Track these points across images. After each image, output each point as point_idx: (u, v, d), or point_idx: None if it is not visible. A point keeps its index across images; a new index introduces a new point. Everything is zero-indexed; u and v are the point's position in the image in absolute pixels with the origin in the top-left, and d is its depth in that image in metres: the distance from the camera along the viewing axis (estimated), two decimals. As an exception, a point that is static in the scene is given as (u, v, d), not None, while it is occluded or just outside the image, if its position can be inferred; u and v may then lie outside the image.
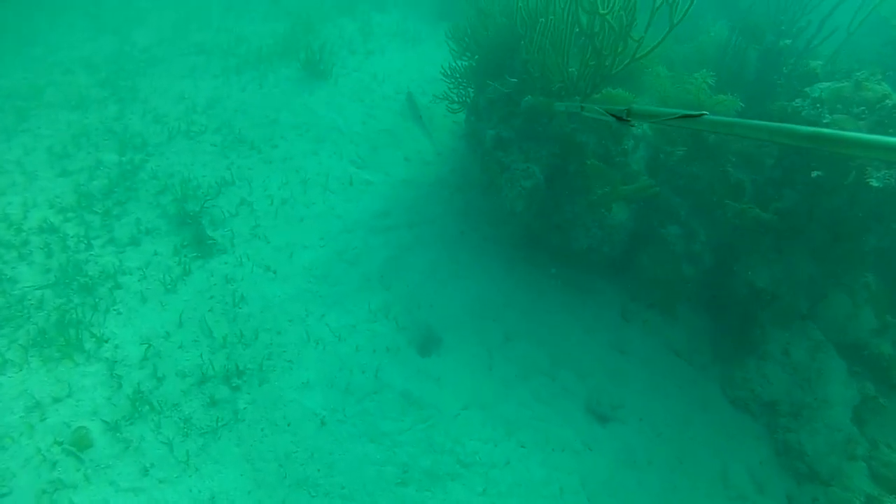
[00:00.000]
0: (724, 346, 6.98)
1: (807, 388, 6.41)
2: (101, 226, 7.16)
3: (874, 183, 5.26)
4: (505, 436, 5.88)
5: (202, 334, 6.17)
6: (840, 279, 6.62)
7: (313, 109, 9.61)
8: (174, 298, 6.48)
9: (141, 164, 8.10)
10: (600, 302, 7.18)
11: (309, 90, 10.14)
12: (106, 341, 6.00)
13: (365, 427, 5.67)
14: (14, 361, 5.72)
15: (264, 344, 6.16)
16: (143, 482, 5.09)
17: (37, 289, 6.41)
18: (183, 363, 5.91)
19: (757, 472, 6.18)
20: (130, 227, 7.17)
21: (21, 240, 6.86)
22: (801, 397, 6.38)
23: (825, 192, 5.85)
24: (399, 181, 8.37)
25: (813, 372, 6.43)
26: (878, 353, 6.56)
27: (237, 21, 12.48)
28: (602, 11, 5.24)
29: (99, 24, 11.88)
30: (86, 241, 6.91)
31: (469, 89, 7.92)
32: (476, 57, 7.64)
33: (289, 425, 5.59)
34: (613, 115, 2.61)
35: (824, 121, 5.66)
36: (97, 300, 6.35)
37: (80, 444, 5.19)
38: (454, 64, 7.89)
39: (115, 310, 6.31)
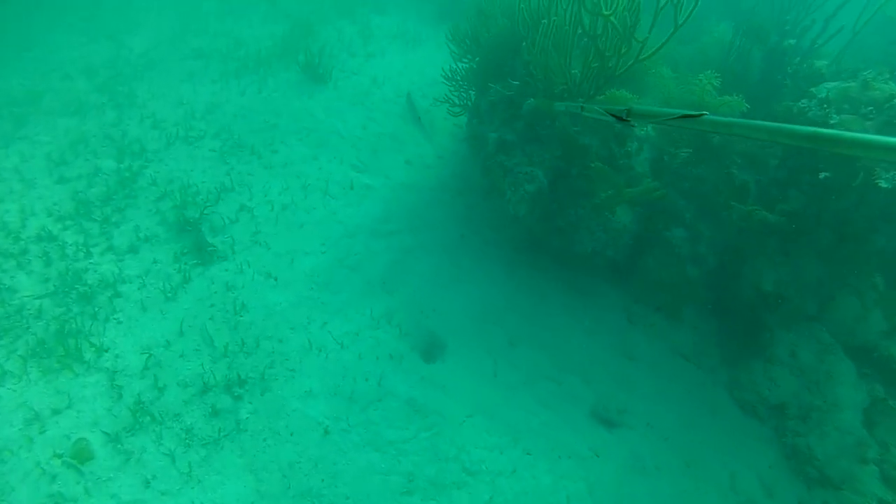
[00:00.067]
0: (731, 349, 6.91)
1: (815, 391, 6.34)
2: (100, 233, 7.09)
3: (883, 184, 5.19)
4: (511, 443, 5.81)
5: (203, 343, 6.10)
6: (848, 281, 6.55)
7: (313, 113, 9.53)
8: (174, 307, 6.41)
9: (140, 170, 8.03)
10: (605, 306, 7.11)
11: (308, 94, 10.06)
12: (106, 351, 5.94)
13: (369, 436, 5.60)
14: (13, 373, 5.66)
15: (266, 352, 6.09)
16: (144, 495, 5.02)
17: (36, 298, 6.34)
18: (184, 373, 5.84)
19: (766, 477, 6.11)
20: (129, 234, 7.09)
21: (19, 248, 6.80)
22: (810, 400, 6.31)
23: (832, 193, 5.78)
24: (400, 185, 8.29)
25: (821, 374, 6.36)
26: (887, 355, 6.49)
27: (235, 24, 12.40)
28: (605, 12, 5.18)
29: (95, 29, 11.79)
30: (85, 250, 6.84)
31: (470, 92, 7.86)
32: (477, 59, 7.58)
33: (292, 435, 5.52)
34: (613, 116, 2.62)
35: (832, 121, 5.59)
36: (97, 309, 6.28)
37: (80, 456, 5.12)
38: (455, 66, 7.83)
39: (114, 319, 6.24)
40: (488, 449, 5.72)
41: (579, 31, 5.58)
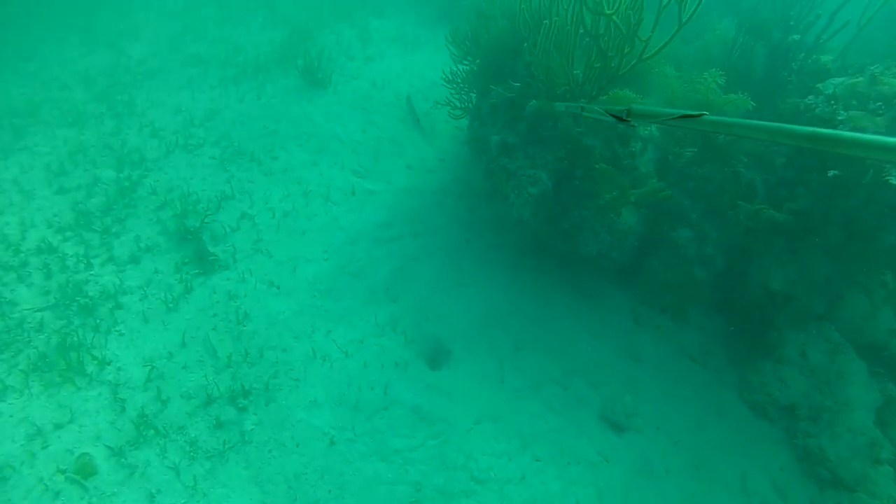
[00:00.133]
0: (739, 350, 6.85)
1: (826, 391, 6.26)
2: (101, 244, 7.03)
3: (893, 181, 5.10)
4: (519, 449, 5.74)
5: (206, 354, 6.04)
6: (857, 279, 6.47)
7: (313, 118, 9.48)
8: (176, 317, 6.34)
9: (139, 179, 7.97)
10: (611, 308, 7.04)
11: (308, 99, 10.01)
12: (108, 364, 5.87)
13: (375, 445, 5.54)
14: (14, 387, 5.59)
15: (270, 362, 6.02)
16: (149, 510, 4.97)
17: (36, 311, 6.28)
18: (187, 384, 5.78)
19: (777, 479, 6.04)
20: (130, 244, 7.03)
21: (19, 261, 6.74)
22: (821, 401, 6.24)
23: (841, 191, 5.70)
24: (402, 190, 8.23)
25: (832, 374, 6.28)
26: (898, 353, 6.43)
27: (234, 30, 12.36)
28: (608, 12, 5.11)
29: (93, 38, 11.75)
30: (85, 261, 6.78)
31: (471, 94, 7.79)
32: (477, 61, 7.51)
33: (297, 446, 5.45)
34: (613, 116, 2.59)
35: (839, 118, 5.51)
36: (98, 321, 6.21)
37: (83, 471, 5.06)
38: (455, 68, 7.77)
39: (116, 331, 6.18)
40: (496, 456, 5.66)
41: (581, 30, 5.52)
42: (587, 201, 6.24)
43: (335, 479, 5.27)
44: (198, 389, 5.73)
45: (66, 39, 11.66)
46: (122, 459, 5.18)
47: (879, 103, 5.47)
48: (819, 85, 5.98)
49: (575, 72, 5.79)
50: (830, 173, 5.48)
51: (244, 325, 6.30)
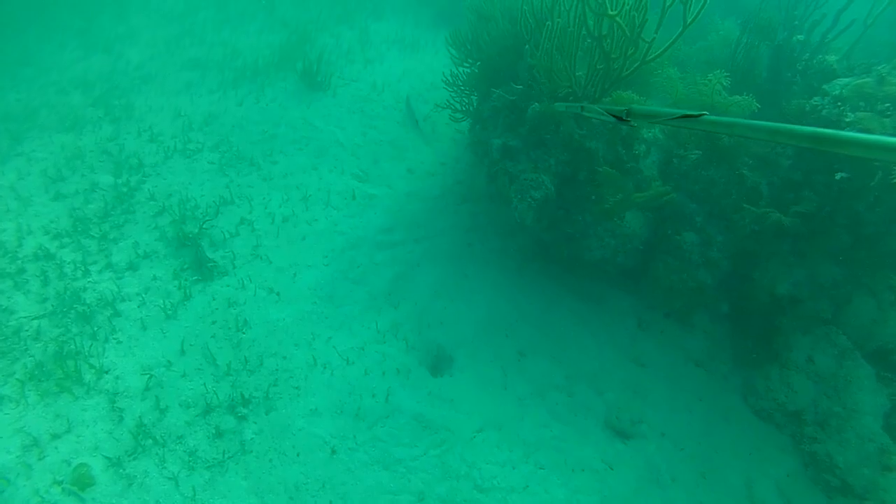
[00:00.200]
0: (745, 355, 6.76)
1: (833, 397, 6.17)
2: (98, 251, 6.96)
3: (902, 183, 5.03)
4: (523, 457, 5.66)
5: (205, 362, 5.96)
6: (863, 282, 6.38)
7: (312, 122, 9.41)
8: (175, 325, 6.27)
9: (137, 185, 7.90)
10: (615, 313, 6.96)
11: (307, 102, 9.95)
12: (106, 372, 5.80)
13: (377, 454, 5.45)
14: (10, 397, 5.52)
15: (270, 370, 5.94)
16: (147, 522, 4.89)
17: (33, 319, 6.20)
18: (186, 393, 5.70)
19: (784, 486, 5.95)
20: (128, 251, 6.96)
21: (16, 268, 6.67)
22: (829, 406, 6.15)
23: (848, 193, 5.62)
24: (403, 194, 8.16)
25: (840, 379, 6.19)
26: (906, 358, 6.33)
27: (232, 34, 12.31)
28: (611, 13, 5.03)
29: (91, 42, 11.70)
30: (83, 268, 6.71)
31: (472, 97, 7.73)
32: (478, 63, 7.45)
33: (298, 455, 5.37)
34: (613, 116, 2.60)
35: (847, 119, 5.42)
36: (96, 329, 6.14)
37: (81, 482, 4.98)
38: (455, 71, 7.70)
39: (114, 339, 6.10)
40: (500, 464, 5.57)
41: (583, 32, 5.44)
42: (591, 205, 6.16)
43: (337, 489, 5.19)
44: (197, 398, 5.65)
45: (64, 44, 11.62)
46: (121, 470, 5.10)
47: (888, 104, 5.39)
48: (825, 86, 5.89)
49: (578, 74, 5.72)
50: (838, 176, 5.40)
51: (244, 333, 6.22)
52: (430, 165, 8.72)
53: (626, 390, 6.35)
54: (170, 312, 6.35)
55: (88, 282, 6.60)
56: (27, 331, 6.08)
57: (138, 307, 6.40)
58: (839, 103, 5.62)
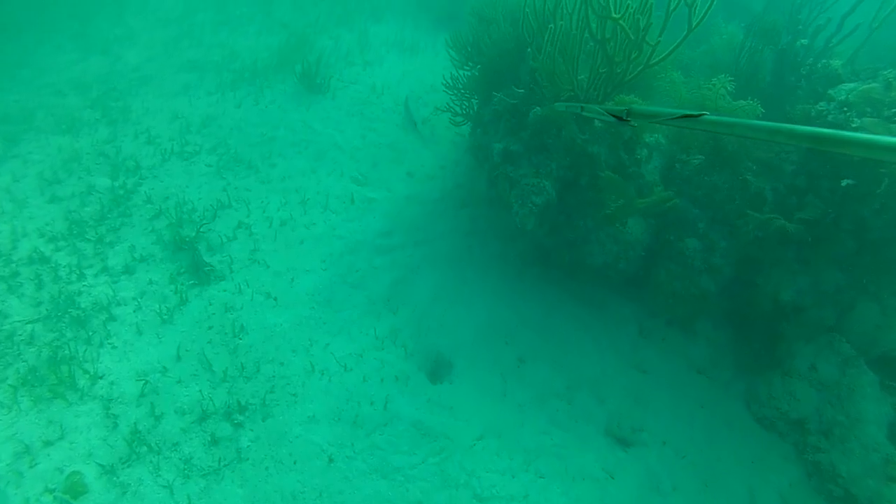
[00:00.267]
0: (747, 362, 6.70)
1: (837, 405, 6.10)
2: (94, 254, 6.88)
3: (909, 190, 4.97)
4: (523, 466, 5.59)
5: (201, 368, 5.87)
6: (868, 289, 6.31)
7: (311, 125, 9.35)
8: (171, 330, 6.18)
9: (134, 188, 7.82)
10: (616, 319, 6.89)
11: (306, 105, 9.88)
12: (100, 378, 5.71)
13: (375, 462, 5.37)
14: (3, 403, 5.43)
15: (267, 376, 5.86)
16: (141, 531, 4.80)
17: (27, 323, 6.12)
18: (182, 399, 5.61)
19: (787, 495, 5.89)
20: (124, 254, 6.88)
21: (10, 271, 6.58)
22: (832, 415, 6.08)
23: (853, 199, 5.55)
24: (402, 198, 8.09)
25: (843, 388, 6.12)
26: (911, 366, 6.26)
27: (231, 36, 12.25)
28: (615, 15, 4.96)
29: (88, 44, 11.63)
30: (78, 271, 6.63)
31: (472, 100, 7.66)
32: (479, 66, 7.39)
33: (295, 463, 5.29)
34: (613, 116, 2.60)
35: (853, 125, 5.35)
36: (90, 334, 6.05)
37: (73, 490, 4.89)
38: (456, 74, 7.64)
39: (109, 343, 6.02)
40: (499, 473, 5.50)
41: (586, 35, 5.38)
42: (592, 210, 6.10)
43: (334, 498, 5.10)
44: (193, 405, 5.56)
45: (61, 45, 11.55)
46: (114, 478, 5.02)
47: (895, 110, 5.33)
48: (831, 91, 5.83)
49: (580, 77, 5.66)
50: (844, 182, 5.34)
51: (240, 338, 6.14)
52: (429, 169, 8.66)
53: (627, 397, 6.29)
54: (166, 317, 6.27)
55: (83, 285, 6.52)
56: (21, 335, 6.00)
57: (134, 312, 6.32)
58: (845, 108, 5.56)
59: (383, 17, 13.24)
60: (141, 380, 5.70)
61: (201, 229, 7.13)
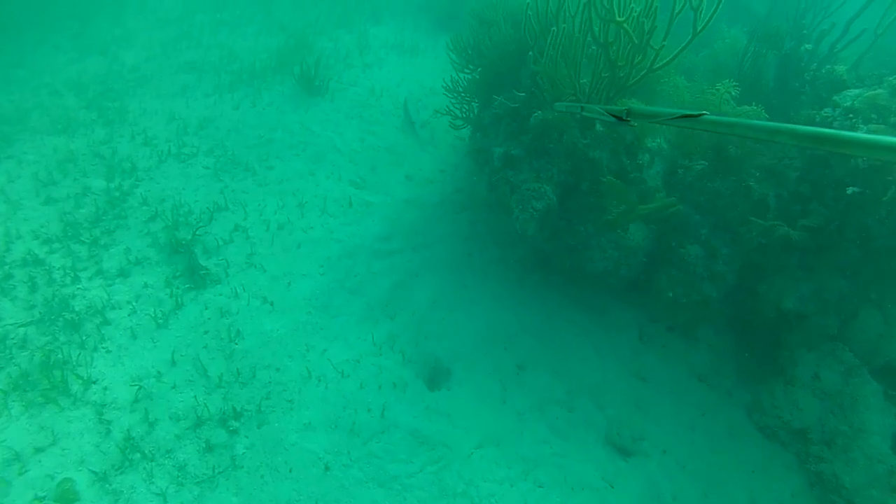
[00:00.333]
0: (749, 370, 6.62)
1: (840, 415, 6.03)
2: (89, 257, 6.79)
3: (916, 198, 4.90)
4: (521, 475, 5.51)
5: (196, 373, 5.79)
6: (871, 296, 6.25)
7: (309, 127, 9.27)
8: (166, 334, 6.10)
9: (130, 189, 7.74)
10: (617, 326, 6.82)
11: (305, 107, 9.81)
12: (94, 383, 5.62)
13: (372, 471, 5.29)
14: (-6, 408, 5.34)
15: (263, 382, 5.78)
16: (133, 540, 4.72)
17: (20, 326, 6.03)
18: (176, 405, 5.52)
19: (789, 506, 5.82)
20: (119, 257, 6.79)
21: (3, 273, 6.51)
22: (835, 425, 6.00)
23: (858, 206, 5.48)
24: (401, 201, 8.01)
25: (846, 397, 6.04)
26: (915, 375, 6.20)
27: (229, 37, 12.19)
28: (619, 19, 4.88)
29: (86, 44, 11.56)
30: (72, 274, 6.54)
31: (473, 104, 7.59)
32: (479, 69, 7.32)
33: (291, 471, 5.20)
34: (613, 115, 2.56)
35: (859, 132, 5.29)
36: (84, 338, 5.97)
37: (64, 498, 4.79)
38: (456, 77, 7.56)
39: (103, 348, 5.93)
40: (498, 482, 5.41)
41: (589, 38, 5.30)
42: (593, 216, 6.03)
43: (330, 508, 5.03)
44: (187, 411, 5.48)
45: (59, 46, 11.47)
46: (107, 485, 4.92)
47: (902, 116, 5.27)
48: (836, 97, 5.76)
49: (582, 81, 5.58)
50: (849, 190, 5.27)
51: (236, 344, 6.06)
52: (428, 172, 8.59)
53: (627, 405, 6.22)
54: (161, 321, 6.19)
55: (78, 289, 6.43)
56: (13, 339, 5.91)
57: (128, 315, 6.24)
58: (851, 115, 5.49)
59: (383, 19, 13.20)
60: (135, 385, 5.61)
61: (197, 232, 7.05)
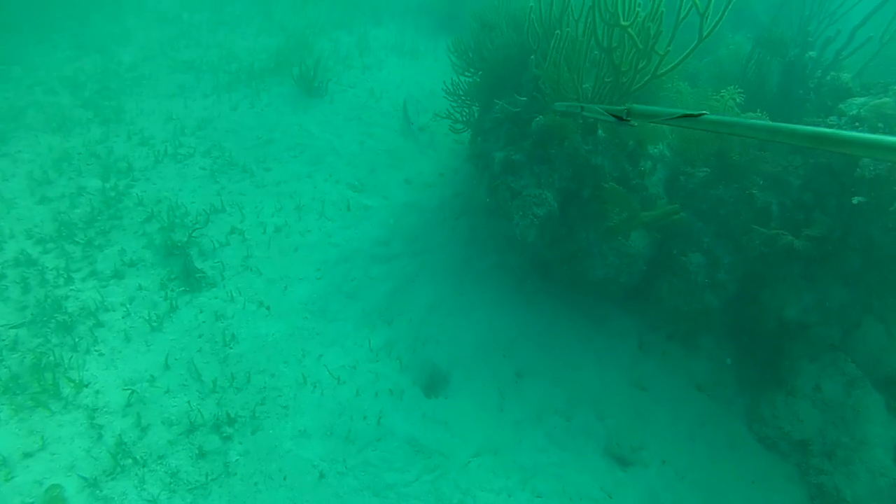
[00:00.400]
0: (749, 380, 6.56)
1: (841, 427, 5.96)
2: (83, 257, 6.70)
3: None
4: (519, 485, 5.43)
5: (190, 378, 5.70)
6: (873, 307, 6.19)
7: (308, 129, 9.20)
8: (160, 338, 6.01)
9: (126, 190, 7.64)
10: (617, 334, 6.75)
11: (303, 108, 9.74)
12: (85, 386, 5.52)
13: (368, 479, 5.21)
14: (-19, 412, 5.25)
15: (257, 388, 5.69)
16: (123, 549, 4.63)
17: (11, 328, 5.93)
18: (169, 410, 5.43)
19: (790, 518, 5.75)
20: (114, 258, 6.70)
21: (-5, 274, 6.41)
22: (836, 436, 5.94)
23: (862, 216, 5.42)
24: (400, 205, 7.94)
25: (848, 409, 5.98)
26: (918, 388, 6.13)
27: (228, 36, 12.10)
28: (624, 23, 4.81)
29: (84, 42, 11.45)
30: (66, 275, 6.45)
31: (473, 107, 7.54)
32: (480, 73, 7.26)
33: (285, 479, 5.11)
34: (613, 115, 2.60)
35: (865, 142, 5.23)
36: (77, 340, 5.87)
37: (53, 504, 4.71)
38: (456, 80, 7.50)
39: (96, 350, 5.84)
40: (495, 492, 5.34)
41: (592, 42, 5.23)
42: (595, 223, 5.96)
43: (324, 517, 4.95)
44: (180, 416, 5.39)
45: (57, 44, 11.37)
46: (97, 491, 4.83)
47: (909, 125, 5.22)
48: (841, 105, 5.70)
49: (584, 86, 5.52)
50: (855, 200, 5.20)
51: (231, 348, 5.97)
52: (428, 176, 8.51)
53: (626, 414, 6.15)
54: (155, 324, 6.10)
55: (71, 290, 6.34)
56: (4, 340, 5.81)
57: (122, 318, 6.14)
58: (856, 123, 5.44)
59: (383, 20, 13.14)
60: (127, 389, 5.52)
61: (193, 234, 6.97)
